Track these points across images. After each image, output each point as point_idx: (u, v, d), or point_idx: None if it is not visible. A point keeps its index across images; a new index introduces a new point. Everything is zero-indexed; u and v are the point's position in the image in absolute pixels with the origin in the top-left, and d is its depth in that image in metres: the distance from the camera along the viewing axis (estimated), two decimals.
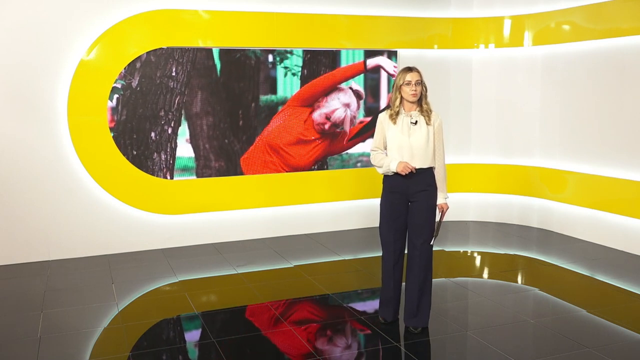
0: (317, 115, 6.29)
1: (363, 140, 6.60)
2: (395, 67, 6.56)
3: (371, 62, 6.49)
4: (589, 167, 6.06)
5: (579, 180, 6.16)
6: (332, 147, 6.47)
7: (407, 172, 3.61)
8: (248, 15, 5.97)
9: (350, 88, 6.37)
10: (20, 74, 5.33)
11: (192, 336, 3.92)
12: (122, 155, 5.67)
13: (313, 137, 6.29)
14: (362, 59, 6.47)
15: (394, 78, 6.45)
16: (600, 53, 5.86)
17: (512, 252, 5.78)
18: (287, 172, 6.33)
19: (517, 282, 4.96)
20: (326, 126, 6.35)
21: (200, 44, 5.83)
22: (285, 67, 6.20)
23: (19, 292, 4.77)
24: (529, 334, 3.83)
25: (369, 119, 6.56)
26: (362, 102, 6.49)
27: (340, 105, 6.24)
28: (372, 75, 6.58)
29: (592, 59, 5.95)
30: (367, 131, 6.54)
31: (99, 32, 5.49)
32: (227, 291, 4.77)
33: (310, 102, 6.27)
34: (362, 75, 6.51)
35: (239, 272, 5.17)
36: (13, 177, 5.41)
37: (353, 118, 6.46)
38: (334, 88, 6.34)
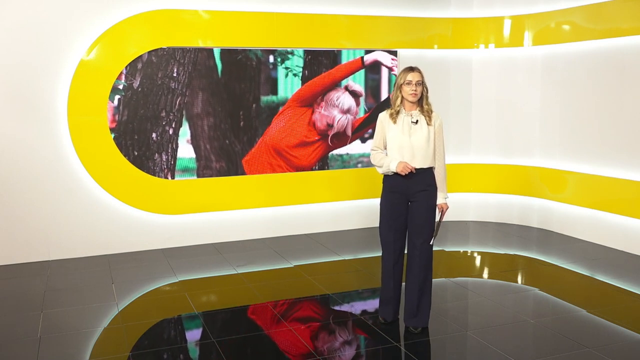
0: (319, 120, 6.29)
1: (363, 139, 6.60)
2: (393, 59, 6.55)
3: (369, 58, 6.49)
4: (589, 167, 6.06)
5: (579, 180, 6.16)
6: (334, 145, 6.48)
7: (407, 173, 3.61)
8: (248, 15, 5.97)
9: (346, 88, 6.37)
10: (20, 74, 5.33)
11: (192, 336, 3.92)
12: (121, 154, 5.67)
13: (316, 138, 6.30)
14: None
15: (393, 72, 6.48)
16: (600, 53, 5.86)
17: (512, 252, 5.78)
18: (289, 172, 6.33)
19: (517, 282, 4.96)
20: (329, 132, 6.37)
21: (200, 44, 5.84)
22: (287, 68, 6.21)
23: (19, 292, 4.77)
24: (529, 334, 3.83)
25: (368, 113, 6.56)
26: (361, 99, 6.49)
27: (341, 113, 6.24)
28: (372, 76, 6.58)
29: (592, 59, 5.95)
30: (366, 126, 6.53)
31: (99, 32, 5.49)
32: (227, 291, 4.77)
33: (310, 102, 6.27)
34: (361, 72, 6.50)
35: (239, 272, 5.17)
36: (13, 177, 5.41)
37: (354, 116, 6.47)
38: (332, 87, 6.34)
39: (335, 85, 6.35)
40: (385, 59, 6.51)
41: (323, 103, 6.28)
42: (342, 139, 6.48)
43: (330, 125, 6.32)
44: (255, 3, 6.00)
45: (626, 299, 4.47)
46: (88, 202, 5.66)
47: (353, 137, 6.52)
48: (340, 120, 6.27)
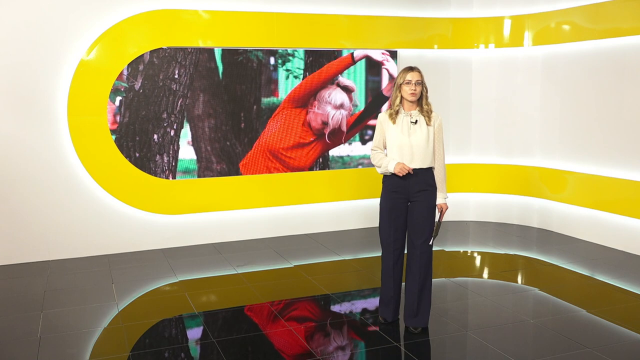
0: (313, 120, 6.29)
1: (363, 141, 6.60)
2: (383, 54, 6.54)
3: (359, 54, 6.46)
4: (589, 167, 6.06)
5: (579, 180, 6.16)
6: (331, 142, 6.48)
7: (404, 174, 3.62)
8: (248, 15, 5.97)
9: (338, 84, 6.34)
10: (20, 74, 5.33)
11: (192, 336, 3.92)
12: (121, 155, 5.68)
13: (311, 139, 6.30)
14: (363, 63, 6.48)
15: (384, 67, 6.45)
16: (600, 53, 5.86)
17: (512, 252, 5.78)
18: (287, 172, 6.34)
19: (517, 282, 4.96)
20: (325, 130, 6.36)
21: (200, 44, 5.84)
22: (287, 70, 6.20)
23: (19, 292, 4.77)
24: (529, 334, 3.83)
25: (362, 110, 6.55)
26: (354, 94, 6.46)
27: (334, 109, 6.24)
28: (373, 78, 6.58)
29: (592, 59, 5.95)
30: (361, 122, 6.51)
31: (99, 32, 5.50)
32: (227, 291, 4.77)
33: (304, 102, 6.26)
34: (359, 70, 6.48)
35: (239, 272, 5.17)
36: (13, 177, 5.41)
37: (349, 112, 6.45)
38: (325, 85, 6.32)
39: (327, 82, 6.33)
40: (375, 54, 6.50)
41: (316, 102, 6.28)
42: (338, 135, 6.47)
43: (325, 123, 6.31)
44: (255, 3, 6.00)
45: (626, 299, 4.47)
46: (88, 202, 5.66)
47: (349, 134, 6.51)
48: (335, 116, 6.26)
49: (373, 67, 6.55)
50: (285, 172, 6.32)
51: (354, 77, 6.49)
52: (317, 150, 6.37)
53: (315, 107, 6.24)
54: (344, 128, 6.45)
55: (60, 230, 5.61)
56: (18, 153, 5.40)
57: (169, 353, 3.60)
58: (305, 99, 6.27)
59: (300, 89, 6.24)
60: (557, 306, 4.35)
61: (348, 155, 6.58)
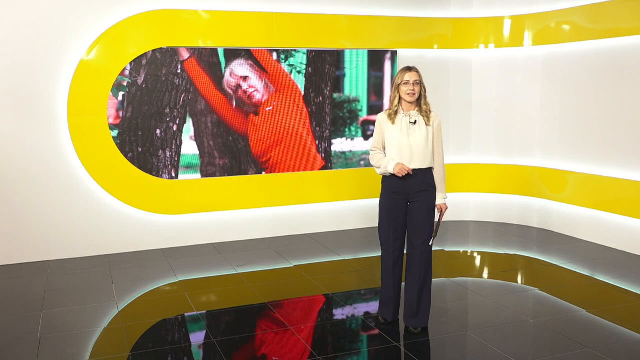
0: (241, 108, 6.07)
1: (366, 136, 6.61)
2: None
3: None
4: (589, 167, 6.06)
5: (579, 180, 6.16)
6: (285, 97, 6.24)
7: (404, 174, 3.62)
8: (248, 15, 5.97)
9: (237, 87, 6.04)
10: (20, 74, 5.33)
11: (192, 336, 3.92)
12: (121, 155, 5.68)
13: (267, 108, 6.09)
14: (365, 58, 6.49)
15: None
16: (600, 53, 5.86)
17: (512, 252, 5.78)
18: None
19: (517, 282, 4.96)
20: (247, 99, 6.08)
21: (201, 44, 5.84)
22: (291, 65, 6.20)
23: (19, 292, 4.77)
24: (529, 334, 3.83)
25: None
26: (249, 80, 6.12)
27: (245, 84, 6.00)
28: (375, 74, 6.59)
29: (592, 59, 5.95)
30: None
31: (99, 32, 5.50)
32: (227, 291, 4.77)
33: (250, 110, 6.11)
34: (361, 66, 6.50)
35: (239, 272, 5.17)
36: (13, 177, 5.42)
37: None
38: (234, 95, 6.06)
39: (233, 95, 6.06)
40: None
41: (233, 100, 6.05)
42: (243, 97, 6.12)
43: (238, 94, 6.03)
44: (255, 3, 6.00)
45: (626, 299, 4.47)
46: (88, 202, 5.66)
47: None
48: (253, 84, 6.05)
49: (375, 63, 6.57)
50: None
51: (356, 73, 6.50)
52: (263, 120, 6.11)
53: (249, 99, 6.04)
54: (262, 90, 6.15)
55: (60, 230, 5.61)
56: (18, 153, 5.40)
57: (169, 353, 3.60)
58: (249, 108, 6.10)
59: (233, 114, 6.07)
60: (557, 306, 4.35)
61: (350, 151, 6.58)
